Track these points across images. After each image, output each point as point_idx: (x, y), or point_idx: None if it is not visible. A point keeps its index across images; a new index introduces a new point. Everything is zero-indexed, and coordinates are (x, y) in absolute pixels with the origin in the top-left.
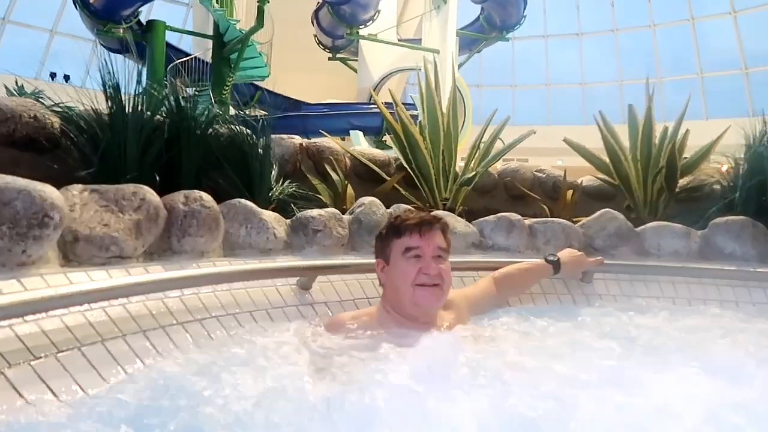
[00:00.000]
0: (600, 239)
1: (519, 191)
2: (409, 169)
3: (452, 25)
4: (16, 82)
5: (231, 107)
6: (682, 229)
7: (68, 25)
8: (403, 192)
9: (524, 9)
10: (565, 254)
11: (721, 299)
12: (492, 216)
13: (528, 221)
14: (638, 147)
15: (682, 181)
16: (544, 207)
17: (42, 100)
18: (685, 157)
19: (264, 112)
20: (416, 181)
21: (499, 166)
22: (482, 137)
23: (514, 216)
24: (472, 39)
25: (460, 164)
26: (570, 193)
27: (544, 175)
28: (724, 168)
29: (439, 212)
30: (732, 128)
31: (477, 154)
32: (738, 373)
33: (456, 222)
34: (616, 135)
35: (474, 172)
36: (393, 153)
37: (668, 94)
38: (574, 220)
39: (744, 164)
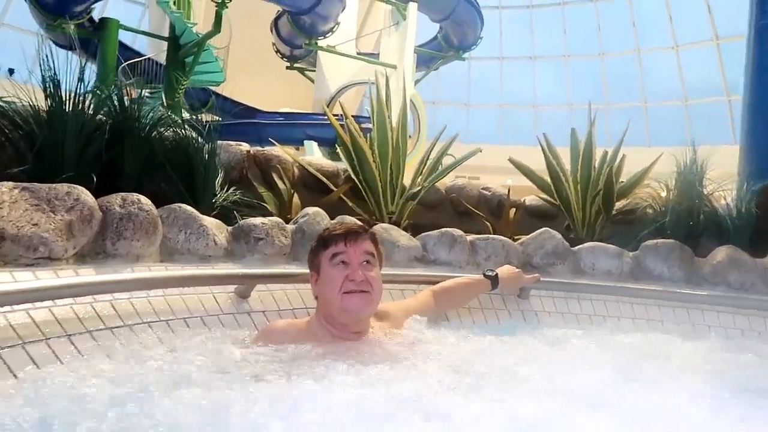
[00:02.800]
0: (538, 257)
1: (465, 208)
2: (356, 181)
3: (410, 41)
4: None
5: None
6: (615, 250)
7: (15, 17)
8: (350, 203)
9: (481, 30)
10: (504, 270)
11: (649, 318)
12: (435, 231)
13: (470, 237)
14: (579, 170)
15: (618, 204)
16: (488, 224)
17: None
18: (622, 182)
19: (217, 118)
20: (363, 193)
21: (448, 181)
22: (430, 153)
23: (457, 232)
24: (430, 56)
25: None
26: (513, 211)
27: (489, 193)
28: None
29: (384, 225)
30: (669, 155)
31: (425, 170)
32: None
33: (400, 236)
34: (558, 157)
35: (420, 187)
36: (343, 164)
37: (615, 120)
38: (515, 237)
39: (674, 190)
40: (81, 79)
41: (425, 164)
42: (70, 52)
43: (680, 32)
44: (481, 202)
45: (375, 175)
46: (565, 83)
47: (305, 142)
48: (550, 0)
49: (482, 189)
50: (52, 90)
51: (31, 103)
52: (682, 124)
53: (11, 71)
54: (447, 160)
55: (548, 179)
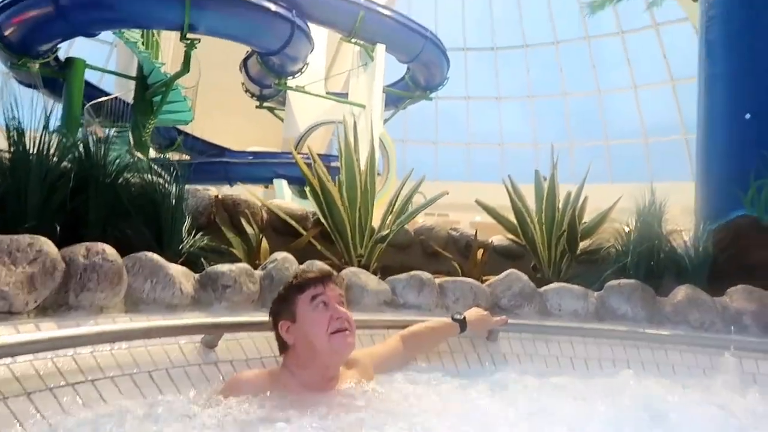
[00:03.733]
0: (506, 299)
1: (434, 249)
2: (326, 224)
3: (378, 82)
4: None
5: (151, 150)
6: (580, 291)
7: None
8: (319, 247)
9: (447, 71)
10: (472, 313)
11: (614, 358)
12: (404, 274)
13: (438, 280)
14: (543, 211)
15: (583, 244)
16: (456, 265)
17: None
18: (585, 222)
19: (186, 157)
20: (332, 236)
21: (420, 219)
22: (399, 195)
23: (425, 275)
24: (398, 96)
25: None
26: (480, 252)
27: (457, 234)
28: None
29: (353, 269)
30: (630, 193)
31: (393, 211)
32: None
33: (369, 279)
34: (523, 198)
35: (389, 230)
36: (312, 207)
37: (579, 157)
38: (483, 278)
39: (635, 231)
40: (46, 127)
41: (394, 206)
42: (35, 91)
43: (639, 73)
44: (449, 243)
45: (344, 219)
46: (530, 122)
47: (275, 180)
48: (513, 42)
49: (451, 230)
50: (15, 136)
51: None
52: (643, 161)
53: None
54: (417, 199)
55: (514, 220)
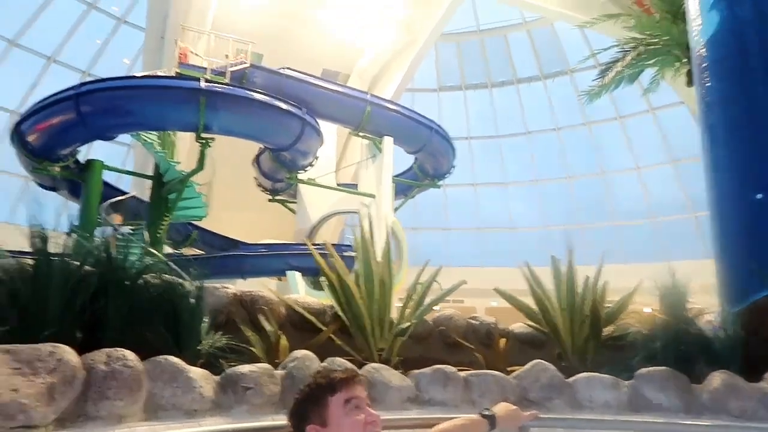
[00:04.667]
0: (534, 391)
1: (454, 339)
2: (344, 318)
3: (387, 172)
4: None
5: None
6: (610, 380)
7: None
8: (339, 342)
9: (453, 160)
10: (501, 408)
11: None
12: (427, 369)
13: (463, 373)
14: (563, 297)
15: (607, 329)
16: (478, 356)
17: None
18: (608, 306)
19: (200, 252)
20: (351, 330)
21: (437, 308)
22: (416, 286)
23: (449, 369)
24: (407, 185)
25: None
26: (503, 341)
27: (477, 323)
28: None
29: (375, 365)
30: (646, 273)
31: (412, 303)
32: None
33: (391, 375)
34: (542, 285)
35: (409, 323)
36: (329, 300)
37: (589, 238)
38: (508, 369)
39: (660, 313)
40: (69, 233)
41: (412, 298)
42: (54, 194)
43: (640, 154)
44: (469, 332)
45: (363, 312)
46: (538, 205)
47: (288, 273)
48: (516, 130)
49: (470, 318)
50: (39, 244)
51: (17, 260)
52: (651, 241)
53: None
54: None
55: (534, 306)
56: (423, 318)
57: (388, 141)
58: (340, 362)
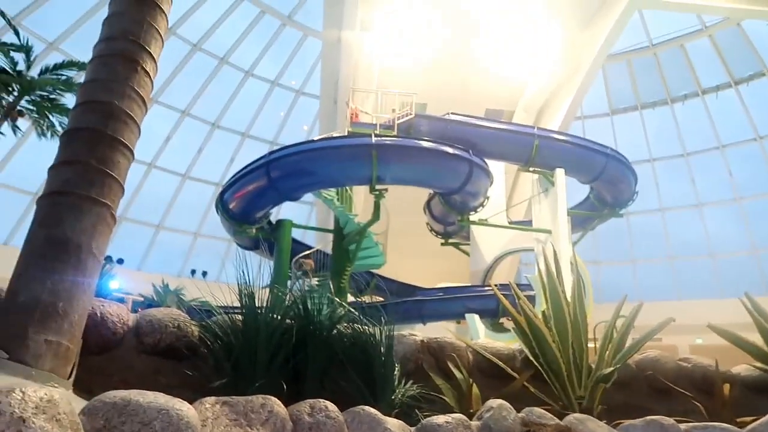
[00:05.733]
0: None
1: (662, 384)
2: (536, 364)
3: (562, 206)
4: (163, 281)
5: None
6: None
7: (208, 227)
8: (533, 390)
9: (635, 185)
10: None
11: None
12: (639, 420)
13: (684, 425)
14: None
15: None
16: (697, 404)
17: (183, 296)
18: None
19: (381, 299)
20: (546, 377)
21: (636, 354)
22: (614, 326)
23: (666, 420)
24: (585, 217)
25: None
26: (726, 387)
27: (689, 365)
28: None
29: (577, 416)
30: None
31: (610, 345)
32: None
33: (598, 428)
34: (767, 315)
35: (612, 368)
36: (517, 344)
37: None
38: (738, 421)
39: None
40: (272, 290)
41: (610, 339)
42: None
43: None
44: (680, 376)
45: (557, 357)
46: (742, 226)
47: (467, 315)
48: (706, 145)
49: (680, 361)
50: (247, 300)
51: (229, 316)
52: None
53: (204, 273)
54: (621, 324)
55: (763, 345)
56: (625, 361)
57: (560, 173)
58: (539, 413)
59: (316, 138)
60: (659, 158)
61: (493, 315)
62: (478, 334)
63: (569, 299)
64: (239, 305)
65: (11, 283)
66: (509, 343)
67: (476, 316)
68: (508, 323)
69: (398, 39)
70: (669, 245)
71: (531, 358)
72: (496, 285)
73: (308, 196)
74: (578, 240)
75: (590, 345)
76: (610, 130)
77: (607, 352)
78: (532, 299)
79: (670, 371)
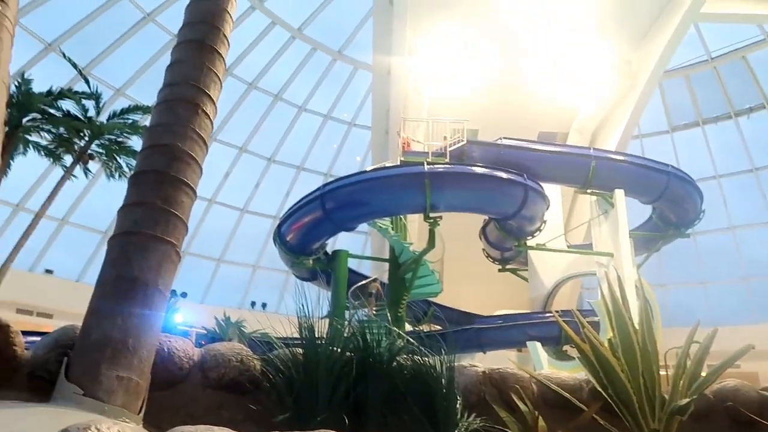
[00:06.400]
0: None
1: (744, 416)
2: (605, 395)
3: (623, 227)
4: (224, 314)
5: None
6: None
7: (267, 260)
8: (603, 422)
9: (701, 203)
10: None
11: None
12: None
13: None
14: None
15: None
16: None
17: (243, 328)
18: None
19: (438, 327)
20: (616, 408)
21: (714, 383)
22: (687, 354)
23: None
24: (648, 238)
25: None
26: None
27: None
28: None
29: None
30: None
31: (684, 374)
32: None
33: None
34: None
35: (688, 399)
36: (582, 374)
37: None
38: None
39: None
40: (331, 322)
41: (684, 368)
42: (309, 283)
43: None
44: (765, 407)
45: (626, 387)
46: None
47: (528, 343)
48: None
49: (762, 390)
50: (307, 334)
51: (289, 349)
52: None
53: (264, 305)
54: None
55: None
56: (702, 392)
57: (619, 194)
58: None
59: (368, 168)
60: (726, 174)
61: (555, 342)
62: (541, 363)
63: (636, 325)
64: (299, 337)
65: (85, 320)
66: (573, 371)
67: (538, 344)
68: (572, 351)
69: (447, 66)
70: (742, 265)
71: (599, 389)
72: (557, 311)
73: (363, 226)
74: (643, 262)
75: (661, 373)
76: (671, 148)
77: (682, 382)
78: (595, 325)
79: (752, 401)
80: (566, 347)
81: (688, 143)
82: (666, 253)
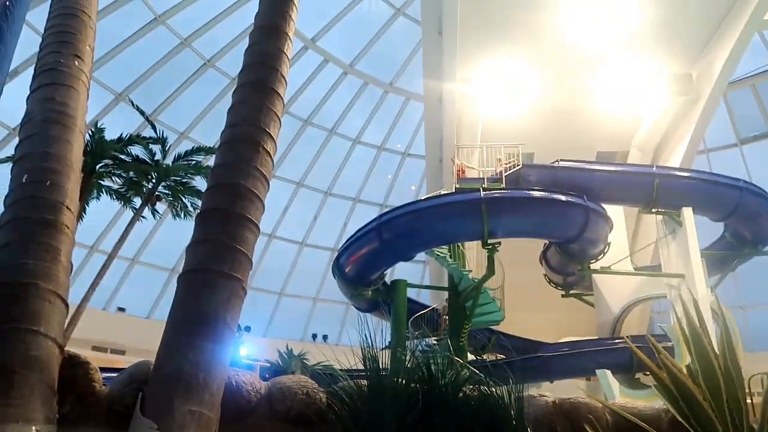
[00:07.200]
0: None
1: None
2: (687, 425)
3: (693, 247)
4: (287, 346)
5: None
6: None
7: (326, 292)
8: None
9: None
10: None
11: None
12: None
13: None
14: None
15: None
16: None
17: (306, 360)
18: None
19: (502, 356)
20: None
21: None
22: None
23: None
24: (722, 257)
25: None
26: None
27: None
28: None
29: None
30: None
31: None
32: None
33: None
34: None
35: None
36: (659, 403)
37: None
38: None
39: None
40: (393, 353)
41: None
42: (369, 314)
43: None
44: None
45: (711, 418)
46: None
47: (598, 371)
48: None
49: None
50: (371, 365)
51: (354, 381)
52: None
53: (325, 337)
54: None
55: None
56: None
57: (687, 212)
58: None
59: (423, 197)
60: None
61: (626, 370)
62: (612, 392)
63: (717, 350)
64: (362, 369)
65: (158, 355)
66: (648, 400)
67: (608, 372)
68: (645, 378)
69: (499, 91)
70: None
71: (680, 419)
72: (628, 337)
73: (421, 255)
74: (717, 283)
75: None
76: (740, 162)
77: None
78: (668, 350)
79: None
80: (638, 375)
81: (759, 156)
82: (743, 272)
